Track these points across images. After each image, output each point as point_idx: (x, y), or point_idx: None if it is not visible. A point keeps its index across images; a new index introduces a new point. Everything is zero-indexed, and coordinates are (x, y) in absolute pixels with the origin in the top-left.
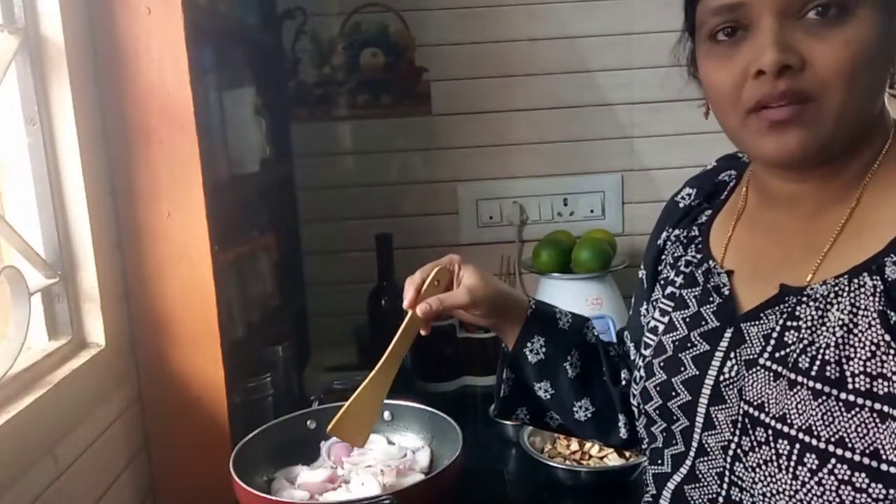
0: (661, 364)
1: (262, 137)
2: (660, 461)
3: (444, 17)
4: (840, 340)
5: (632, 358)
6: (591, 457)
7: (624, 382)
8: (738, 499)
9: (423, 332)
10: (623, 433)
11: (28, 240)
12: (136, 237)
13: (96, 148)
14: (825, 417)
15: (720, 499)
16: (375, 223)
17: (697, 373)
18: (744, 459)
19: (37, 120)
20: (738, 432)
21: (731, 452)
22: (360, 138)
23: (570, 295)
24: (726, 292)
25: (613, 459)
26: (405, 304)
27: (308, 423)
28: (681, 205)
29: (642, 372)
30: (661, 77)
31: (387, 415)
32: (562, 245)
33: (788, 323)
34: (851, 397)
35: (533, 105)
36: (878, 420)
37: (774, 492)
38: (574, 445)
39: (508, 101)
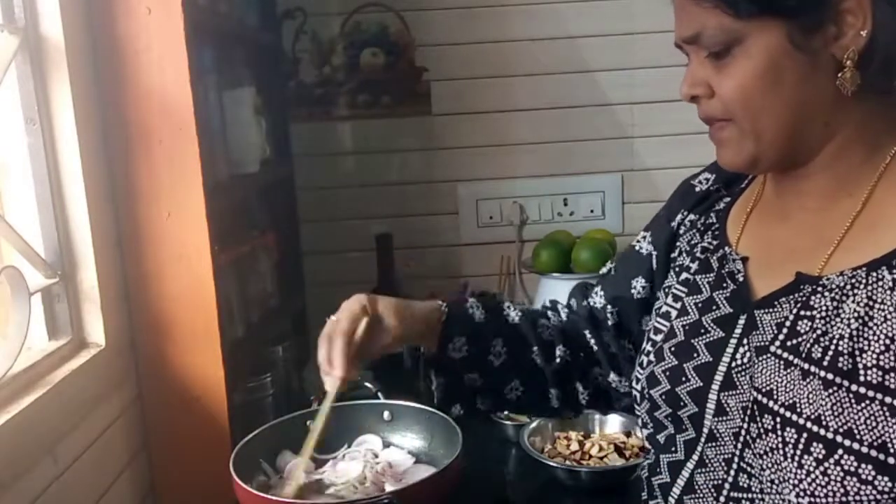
0: (673, 349)
1: (262, 137)
2: (673, 448)
3: (444, 17)
4: (854, 332)
5: (607, 318)
6: (591, 457)
7: (558, 360)
8: (745, 485)
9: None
10: (555, 403)
11: (28, 240)
12: (136, 237)
13: (96, 148)
14: (835, 408)
15: (726, 485)
16: (375, 223)
17: (711, 359)
18: (752, 446)
19: (37, 120)
20: (747, 419)
21: (741, 439)
22: (360, 138)
23: None
24: (741, 279)
25: (613, 459)
26: (339, 374)
27: (308, 423)
28: (697, 188)
29: (651, 357)
30: (661, 77)
31: (386, 415)
32: (562, 245)
33: (802, 312)
34: (862, 389)
35: (533, 105)
36: (887, 413)
37: (781, 479)
38: (574, 445)
39: (508, 101)
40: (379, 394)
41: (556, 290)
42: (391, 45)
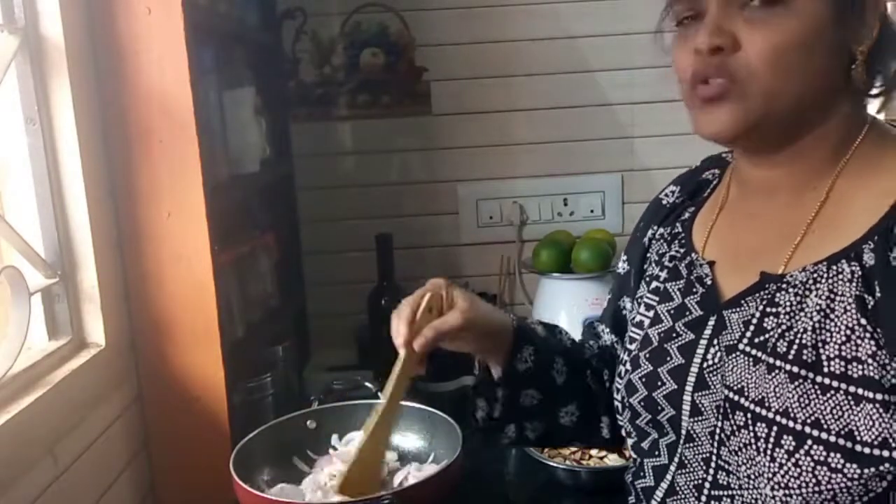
0: (647, 356)
1: (262, 137)
2: (657, 452)
3: (444, 17)
4: (817, 325)
5: (617, 353)
6: (591, 457)
7: (607, 382)
8: (724, 482)
9: (419, 372)
10: (605, 433)
11: (28, 240)
12: (136, 237)
13: (96, 148)
14: (801, 400)
15: (706, 484)
16: (375, 223)
17: (683, 361)
18: (727, 444)
19: (37, 120)
20: (721, 417)
21: (717, 437)
22: (360, 138)
23: (570, 295)
24: (709, 282)
25: (613, 459)
26: (399, 342)
27: (308, 423)
28: (664, 202)
29: (628, 366)
30: (661, 77)
31: None
32: (562, 245)
33: (768, 309)
34: (827, 380)
35: (533, 105)
36: (852, 402)
37: (756, 474)
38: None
39: (508, 101)
40: (379, 394)
41: (556, 291)
42: (391, 45)
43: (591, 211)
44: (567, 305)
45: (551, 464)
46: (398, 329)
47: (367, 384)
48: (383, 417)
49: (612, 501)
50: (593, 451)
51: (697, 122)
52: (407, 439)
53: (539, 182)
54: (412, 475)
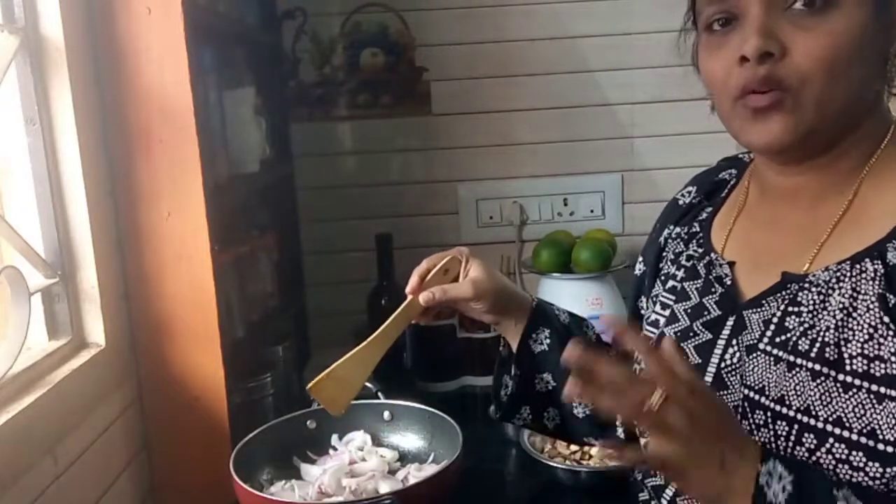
0: None
1: (262, 137)
2: None
3: (444, 17)
4: (840, 323)
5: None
6: (591, 457)
7: None
8: None
9: (420, 322)
10: (620, 432)
11: (28, 240)
12: (136, 237)
13: (96, 148)
14: (823, 398)
15: None
16: (375, 223)
17: (700, 361)
18: None
19: (37, 120)
20: (739, 417)
21: None
22: (360, 138)
23: (570, 295)
24: (728, 282)
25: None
26: (407, 289)
27: (308, 423)
28: (681, 202)
29: (643, 364)
30: (661, 77)
31: (386, 415)
32: (562, 245)
33: (790, 309)
34: (849, 378)
35: (533, 105)
36: (874, 401)
37: None
38: (574, 445)
39: (508, 101)
40: (379, 394)
41: (556, 291)
42: (391, 45)
43: (591, 211)
44: (567, 305)
45: (551, 464)
46: (410, 279)
47: (368, 384)
48: (373, 343)
49: (613, 501)
50: (593, 451)
51: (746, 132)
52: (407, 439)
53: (539, 182)
54: (412, 475)
